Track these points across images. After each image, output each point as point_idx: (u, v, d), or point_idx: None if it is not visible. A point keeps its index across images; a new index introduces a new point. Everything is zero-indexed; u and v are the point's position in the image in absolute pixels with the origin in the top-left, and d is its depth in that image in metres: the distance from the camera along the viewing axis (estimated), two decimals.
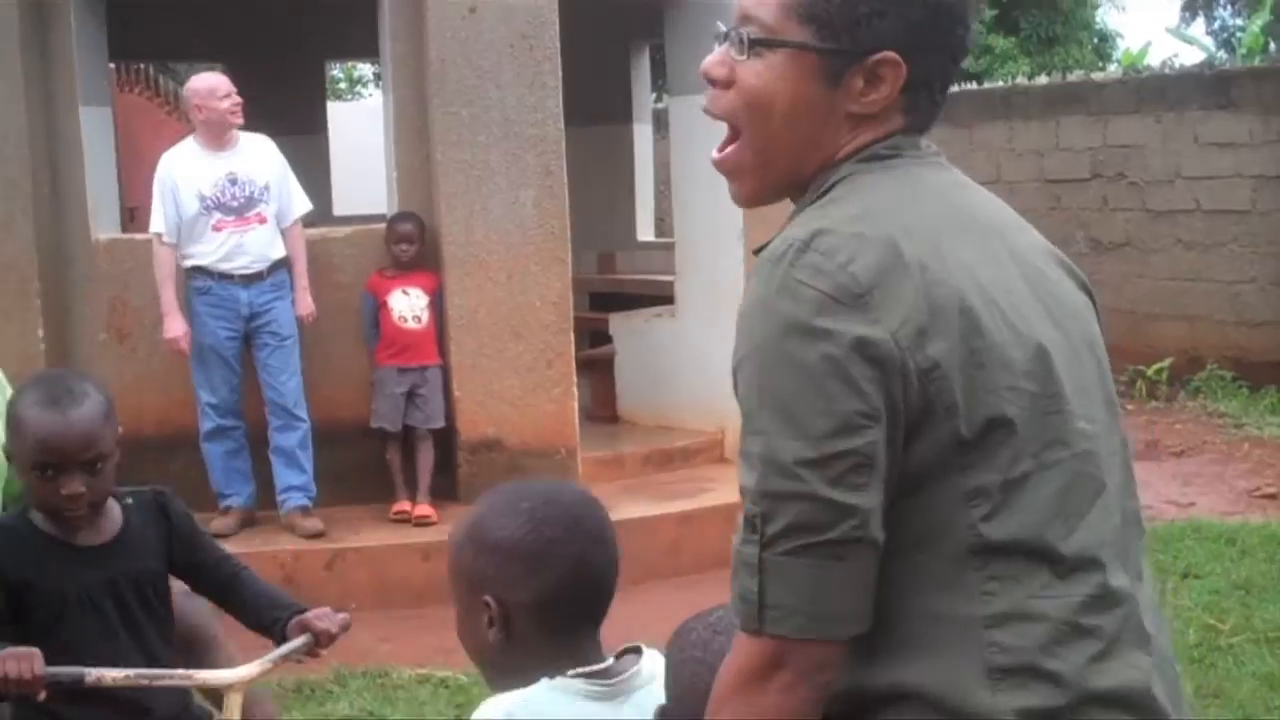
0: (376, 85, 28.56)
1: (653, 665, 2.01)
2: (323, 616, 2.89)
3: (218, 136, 6.90)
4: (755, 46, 1.69)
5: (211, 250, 6.85)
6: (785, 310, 1.57)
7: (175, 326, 6.80)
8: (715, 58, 1.73)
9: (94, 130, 7.40)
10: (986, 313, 1.63)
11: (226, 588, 3.00)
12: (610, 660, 1.99)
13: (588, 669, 1.95)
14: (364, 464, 7.23)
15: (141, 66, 15.29)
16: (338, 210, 12.25)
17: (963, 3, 1.73)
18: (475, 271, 7.11)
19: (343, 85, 29.35)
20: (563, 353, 7.24)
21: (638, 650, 2.05)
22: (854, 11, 1.66)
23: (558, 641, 1.96)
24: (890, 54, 1.66)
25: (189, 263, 6.85)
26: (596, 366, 8.83)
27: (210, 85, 6.95)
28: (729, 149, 1.76)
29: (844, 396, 1.54)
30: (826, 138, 1.71)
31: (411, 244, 7.09)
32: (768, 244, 1.68)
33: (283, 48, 10.78)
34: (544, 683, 1.91)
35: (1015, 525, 1.61)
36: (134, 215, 11.43)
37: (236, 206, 6.87)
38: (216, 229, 6.84)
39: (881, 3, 1.66)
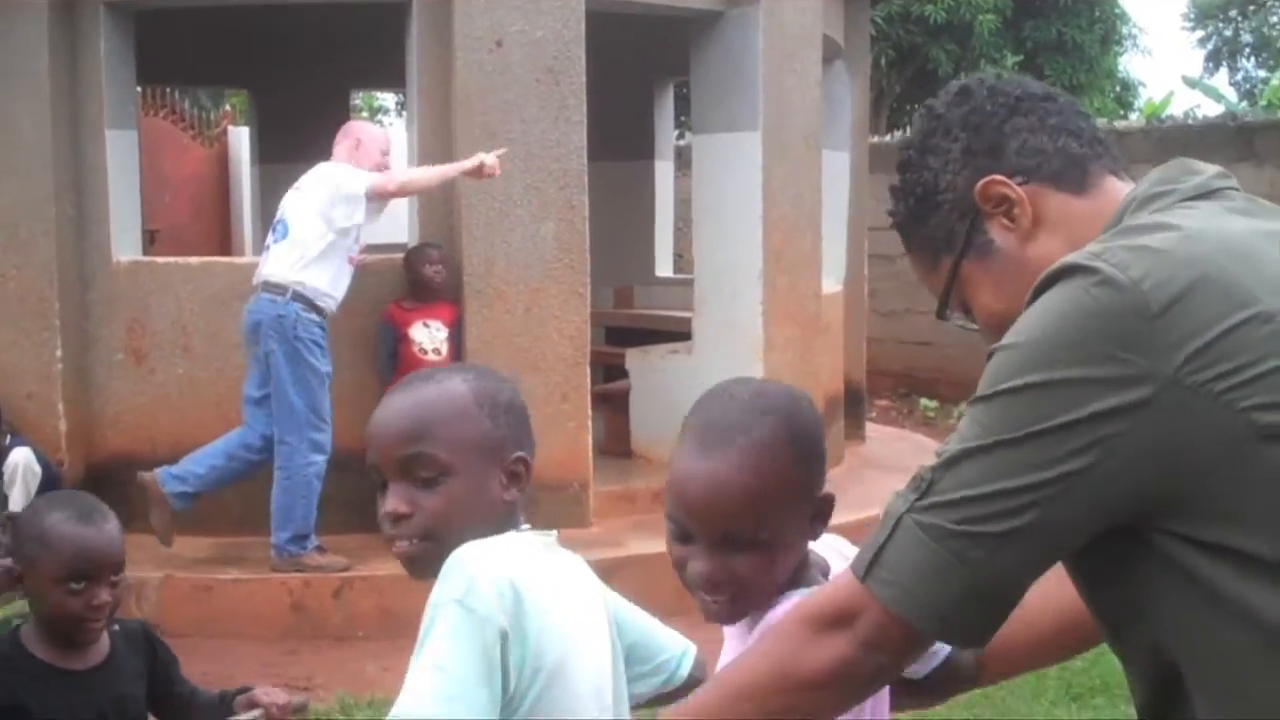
0: (398, 114, 28.65)
1: None
2: (270, 692, 2.97)
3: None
4: (947, 312, 1.76)
5: (345, 284, 6.74)
6: (1050, 338, 1.43)
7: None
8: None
9: (119, 153, 7.42)
10: None
11: (188, 710, 3.08)
12: None
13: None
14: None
15: (166, 90, 15.39)
16: None
17: (982, 100, 1.71)
18: (494, 303, 7.10)
19: (364, 114, 29.46)
20: (578, 386, 7.23)
21: None
22: (936, 213, 1.71)
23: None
24: (980, 184, 1.67)
25: (330, 301, 6.66)
26: (611, 401, 8.82)
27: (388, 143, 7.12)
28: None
29: (1066, 436, 1.40)
30: (1033, 262, 1.63)
31: (441, 272, 7.09)
32: None
33: (308, 76, 10.82)
34: (513, 534, 2.03)
35: None
36: (154, 238, 11.50)
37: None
38: (350, 262, 6.76)
39: (946, 181, 1.70)
